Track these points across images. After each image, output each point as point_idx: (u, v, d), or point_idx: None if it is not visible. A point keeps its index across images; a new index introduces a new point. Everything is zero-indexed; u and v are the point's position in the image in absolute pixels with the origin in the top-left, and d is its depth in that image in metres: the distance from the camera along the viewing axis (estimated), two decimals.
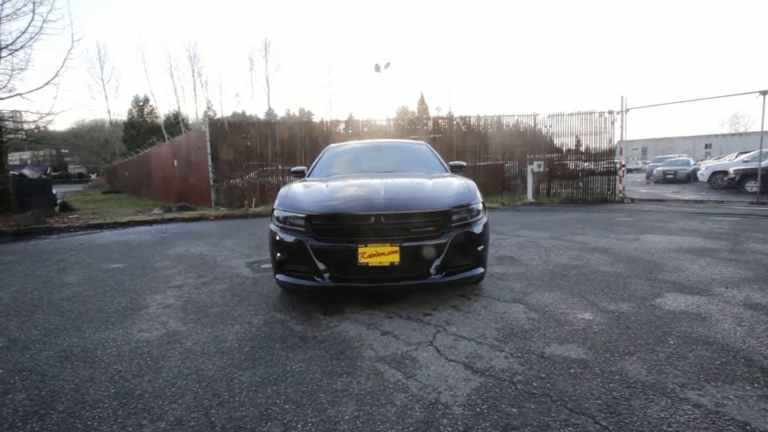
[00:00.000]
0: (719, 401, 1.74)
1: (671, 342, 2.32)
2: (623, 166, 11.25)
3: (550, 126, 11.83)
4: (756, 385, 1.85)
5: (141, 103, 40.74)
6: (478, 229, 3.04)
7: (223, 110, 41.46)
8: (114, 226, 8.65)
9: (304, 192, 3.29)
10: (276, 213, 3.19)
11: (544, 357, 2.17)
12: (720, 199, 10.94)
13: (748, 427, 1.55)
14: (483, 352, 2.24)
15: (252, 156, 11.64)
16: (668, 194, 12.88)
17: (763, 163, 10.44)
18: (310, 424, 1.65)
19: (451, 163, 4.48)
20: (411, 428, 1.60)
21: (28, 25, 10.33)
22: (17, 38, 10.34)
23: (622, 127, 11.06)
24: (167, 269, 4.47)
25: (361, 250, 2.78)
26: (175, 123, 30.68)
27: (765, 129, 9.22)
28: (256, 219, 9.27)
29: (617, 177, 11.17)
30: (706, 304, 2.91)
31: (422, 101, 41.87)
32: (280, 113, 47.45)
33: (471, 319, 2.73)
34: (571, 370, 2.01)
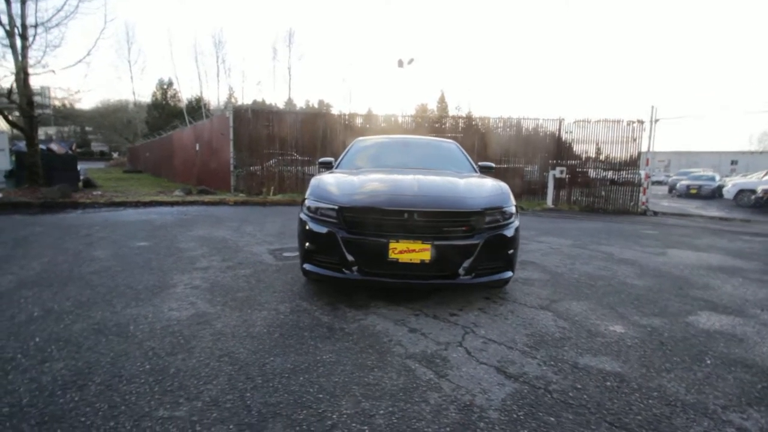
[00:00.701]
0: (764, 426, 1.68)
1: (708, 362, 2.25)
2: (648, 177, 10.99)
3: (571, 132, 11.62)
4: None
5: (165, 86, 41.30)
6: (509, 232, 3.00)
7: (244, 97, 41.81)
8: (137, 204, 8.80)
9: (336, 183, 3.28)
10: (307, 203, 3.18)
11: (578, 367, 2.12)
12: (747, 218, 10.62)
13: None
14: (514, 358, 2.21)
15: (272, 144, 11.69)
16: (692, 209, 12.56)
17: None
18: (345, 416, 1.64)
19: (480, 163, 4.44)
20: (447, 428, 1.59)
21: (64, 3, 10.55)
22: (53, 15, 10.58)
23: (650, 137, 10.82)
24: (192, 251, 4.53)
25: (392, 245, 2.76)
26: (197, 108, 31.02)
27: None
28: (274, 207, 9.34)
29: (641, 188, 10.93)
30: (741, 325, 2.82)
31: (442, 99, 41.50)
32: (299, 103, 47.62)
33: (499, 323, 2.69)
34: (608, 383, 1.97)
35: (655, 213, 10.84)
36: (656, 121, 10.75)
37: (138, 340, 2.28)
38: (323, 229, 2.95)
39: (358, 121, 12.82)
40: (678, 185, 19.99)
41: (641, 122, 10.89)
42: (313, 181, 3.50)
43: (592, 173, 11.50)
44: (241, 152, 11.42)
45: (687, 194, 18.73)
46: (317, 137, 11.93)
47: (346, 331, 2.49)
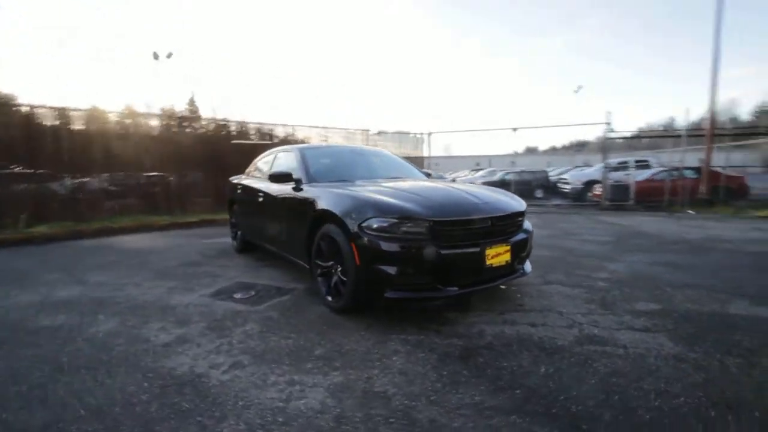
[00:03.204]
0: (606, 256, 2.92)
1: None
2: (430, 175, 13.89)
3: (376, 140, 13.29)
4: None
5: None
6: (530, 226, 3.55)
7: None
8: None
9: (393, 196, 2.94)
10: (370, 222, 2.71)
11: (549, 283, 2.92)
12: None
13: None
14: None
15: None
16: None
17: (498, 177, 15.07)
18: None
19: (423, 170, 4.79)
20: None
21: None
22: None
23: (428, 145, 13.68)
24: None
25: (487, 252, 2.81)
26: None
27: (499, 153, 13.41)
28: (46, 246, 6.40)
29: None
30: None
31: (192, 102, 37.18)
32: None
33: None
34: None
35: None
36: (430, 134, 13.69)
37: None
38: (411, 248, 2.65)
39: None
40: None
41: (422, 134, 13.64)
42: (351, 197, 3.00)
43: None
44: None
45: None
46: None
47: (495, 349, 2.43)
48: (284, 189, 3.84)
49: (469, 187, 3.56)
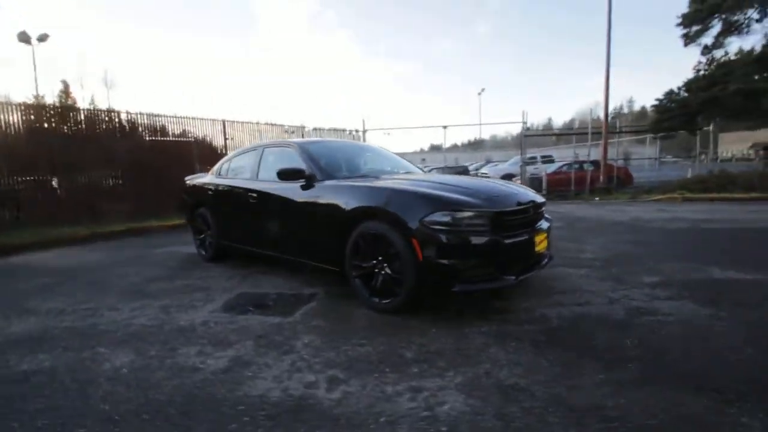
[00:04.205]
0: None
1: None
2: None
3: (310, 135, 12.84)
4: None
5: None
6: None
7: None
8: None
9: (444, 191, 2.88)
10: (434, 217, 2.62)
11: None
12: None
13: None
14: None
15: None
16: None
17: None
18: None
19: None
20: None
21: None
22: None
23: (364, 142, 13.64)
24: None
25: (536, 238, 2.93)
26: None
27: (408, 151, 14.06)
28: None
29: None
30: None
31: (66, 91, 31.48)
32: None
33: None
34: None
35: None
36: (365, 131, 13.69)
37: None
38: (479, 240, 2.64)
39: None
40: None
41: (358, 131, 13.55)
42: (388, 193, 2.87)
43: None
44: None
45: None
46: None
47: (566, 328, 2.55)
48: (290, 187, 3.52)
49: (490, 179, 3.67)
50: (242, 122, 11.12)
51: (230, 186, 4.40)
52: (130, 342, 2.55)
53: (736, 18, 11.99)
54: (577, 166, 13.88)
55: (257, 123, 11.48)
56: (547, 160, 17.35)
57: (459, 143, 59.42)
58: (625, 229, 6.04)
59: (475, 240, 2.63)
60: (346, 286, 3.17)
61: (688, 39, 12.25)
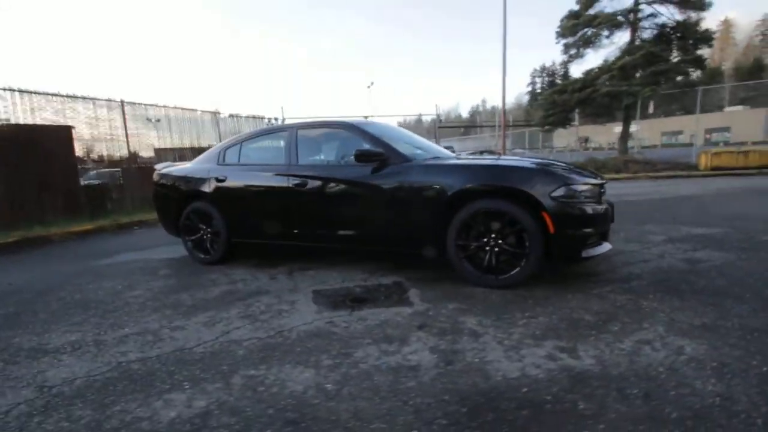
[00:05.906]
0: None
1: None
2: None
3: (225, 122, 11.50)
4: None
5: None
6: None
7: None
8: None
9: (547, 166, 3.03)
10: (561, 191, 2.75)
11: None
12: None
13: None
14: None
15: None
16: None
17: None
18: None
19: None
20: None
21: None
22: None
23: None
24: None
25: None
26: None
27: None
28: None
29: None
30: None
31: None
32: None
33: None
34: None
35: None
36: (284, 119, 12.89)
37: None
38: (595, 209, 2.90)
39: None
40: None
41: (277, 118, 12.65)
42: (532, 169, 2.95)
43: None
44: None
45: None
46: None
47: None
48: (359, 171, 3.25)
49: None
50: (146, 105, 9.34)
51: (255, 174, 3.76)
52: (275, 356, 2.06)
53: (590, 33, 14.92)
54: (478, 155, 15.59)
55: (164, 107, 9.78)
56: (449, 150, 18.99)
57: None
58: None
59: (592, 210, 2.86)
60: (423, 270, 3.12)
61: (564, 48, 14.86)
